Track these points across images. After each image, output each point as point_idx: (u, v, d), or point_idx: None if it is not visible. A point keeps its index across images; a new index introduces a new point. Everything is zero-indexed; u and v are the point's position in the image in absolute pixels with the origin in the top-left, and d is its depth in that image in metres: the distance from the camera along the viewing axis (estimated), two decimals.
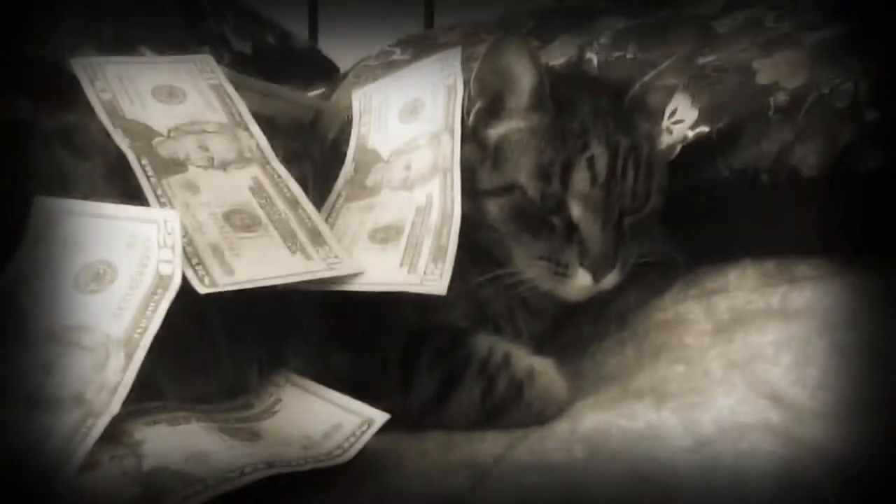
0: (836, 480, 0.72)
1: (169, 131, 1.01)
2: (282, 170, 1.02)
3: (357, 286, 0.94)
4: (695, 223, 1.12)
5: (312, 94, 1.72)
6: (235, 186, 0.97)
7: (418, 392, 0.97)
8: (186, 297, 0.82)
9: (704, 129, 1.15)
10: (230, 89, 1.09)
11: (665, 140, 1.17)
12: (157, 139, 0.99)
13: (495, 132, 1.05)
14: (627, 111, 1.07)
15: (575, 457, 0.81)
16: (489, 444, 0.89)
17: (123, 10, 1.76)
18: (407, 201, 1.00)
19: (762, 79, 1.15)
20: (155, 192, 0.92)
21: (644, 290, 1.14)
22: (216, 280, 0.85)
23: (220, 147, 1.01)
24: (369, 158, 1.07)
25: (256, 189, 0.98)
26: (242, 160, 1.01)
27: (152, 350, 0.78)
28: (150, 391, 0.83)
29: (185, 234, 0.86)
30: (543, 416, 0.93)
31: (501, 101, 1.04)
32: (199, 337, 0.93)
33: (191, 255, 0.85)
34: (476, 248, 1.03)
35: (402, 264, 0.94)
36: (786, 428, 0.79)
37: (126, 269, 0.83)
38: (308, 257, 0.93)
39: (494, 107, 1.04)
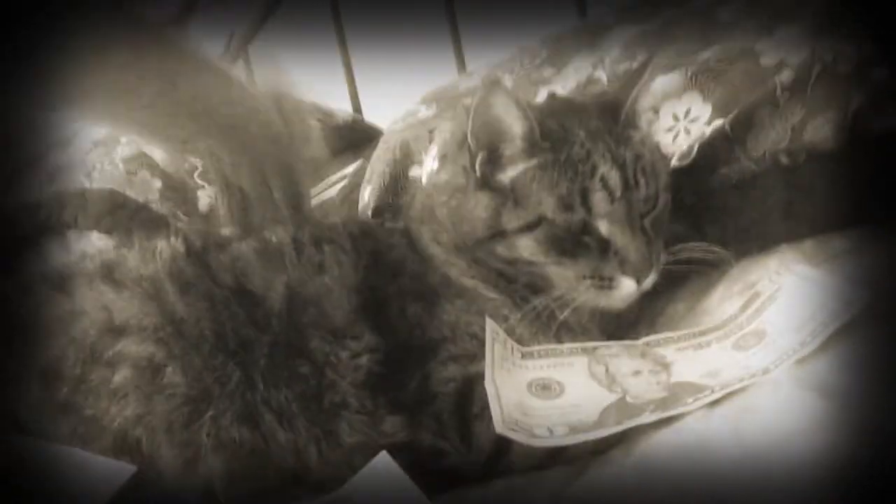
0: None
1: None
2: None
3: None
4: (726, 218, 1.11)
5: (354, 165, 1.79)
6: None
7: (479, 443, 0.98)
8: None
9: (719, 121, 1.13)
10: None
11: (683, 140, 1.17)
12: None
13: (506, 175, 1.07)
14: (622, 126, 1.08)
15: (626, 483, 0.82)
16: (548, 484, 0.90)
17: None
18: None
19: (766, 60, 1.13)
20: None
21: (691, 294, 1.13)
22: None
23: None
24: None
25: None
26: None
27: None
28: None
29: None
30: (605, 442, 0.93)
31: (498, 150, 1.07)
32: None
33: None
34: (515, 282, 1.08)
35: None
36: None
37: None
38: None
39: (494, 156, 1.07)
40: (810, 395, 0.81)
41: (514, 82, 1.53)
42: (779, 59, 1.11)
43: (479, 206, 1.08)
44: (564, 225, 1.03)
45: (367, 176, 1.59)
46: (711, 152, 1.13)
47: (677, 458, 0.83)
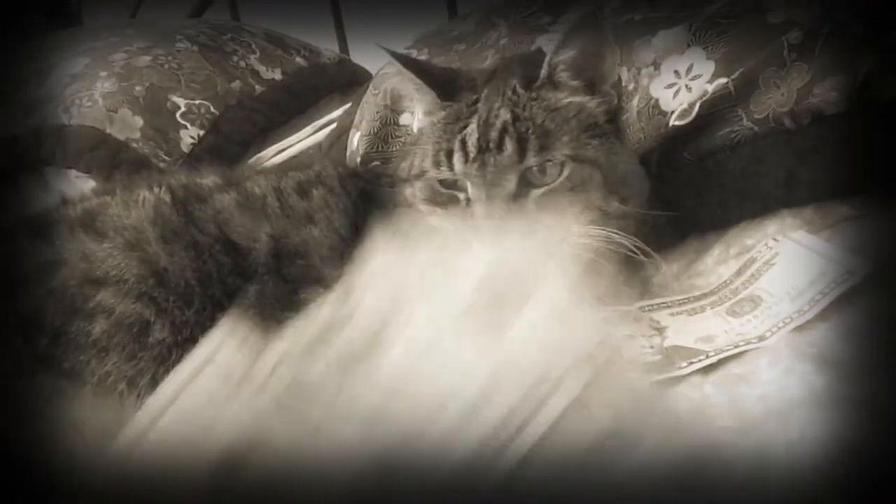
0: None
1: None
2: None
3: None
4: (725, 181, 1.08)
5: (342, 109, 1.74)
6: None
7: None
8: None
9: (722, 80, 1.10)
10: None
11: (684, 98, 1.14)
12: None
13: (417, 126, 1.12)
14: (540, 83, 1.04)
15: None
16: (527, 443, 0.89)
17: (153, 63, 1.83)
18: None
19: (773, 18, 1.09)
20: None
21: (684, 255, 1.11)
22: None
23: None
24: None
25: None
26: None
27: None
28: None
29: None
30: None
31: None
32: None
33: None
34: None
35: None
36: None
37: None
38: None
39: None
40: (808, 366, 0.80)
41: (509, 28, 1.49)
42: (786, 16, 1.08)
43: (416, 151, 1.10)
44: (438, 178, 1.04)
45: (356, 121, 1.55)
46: (713, 112, 1.10)
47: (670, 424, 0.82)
